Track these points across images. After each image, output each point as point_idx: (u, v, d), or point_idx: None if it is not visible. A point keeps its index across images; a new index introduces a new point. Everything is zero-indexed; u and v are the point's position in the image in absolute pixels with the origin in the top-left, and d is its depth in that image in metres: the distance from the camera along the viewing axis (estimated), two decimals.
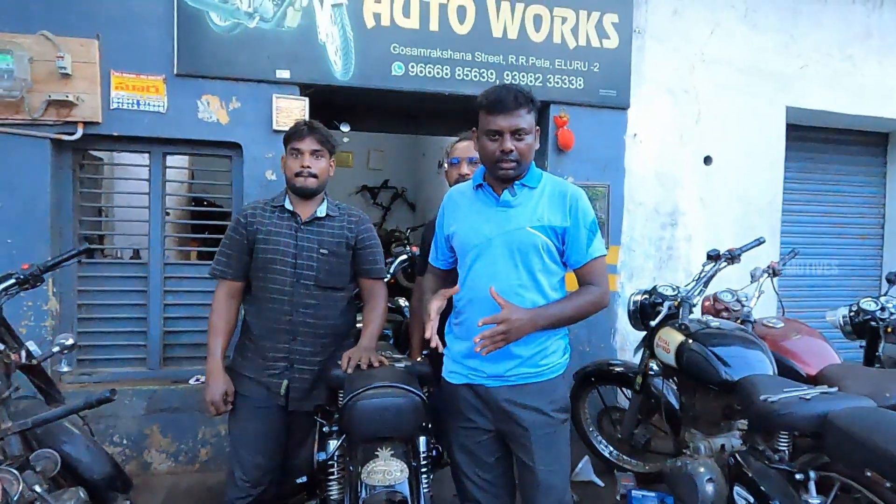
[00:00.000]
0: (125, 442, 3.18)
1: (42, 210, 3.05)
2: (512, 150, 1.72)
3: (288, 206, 2.24)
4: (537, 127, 1.80)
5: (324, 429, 2.04)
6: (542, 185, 1.82)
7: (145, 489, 2.99)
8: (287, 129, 3.25)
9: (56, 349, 2.34)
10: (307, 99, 3.34)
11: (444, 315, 1.93)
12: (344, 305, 2.29)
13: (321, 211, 2.25)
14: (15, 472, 1.80)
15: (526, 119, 1.73)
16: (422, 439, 1.88)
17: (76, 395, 2.66)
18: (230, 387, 2.16)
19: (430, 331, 1.72)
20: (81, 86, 3.00)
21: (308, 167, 2.18)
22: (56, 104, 2.96)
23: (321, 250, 2.21)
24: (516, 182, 1.80)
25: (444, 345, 1.89)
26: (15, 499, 1.70)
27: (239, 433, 2.20)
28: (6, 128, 2.94)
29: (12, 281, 2.14)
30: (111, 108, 3.08)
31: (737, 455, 2.14)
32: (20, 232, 3.00)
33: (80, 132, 3.03)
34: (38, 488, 1.80)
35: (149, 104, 3.12)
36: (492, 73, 3.59)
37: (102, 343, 3.30)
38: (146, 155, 3.29)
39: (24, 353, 2.25)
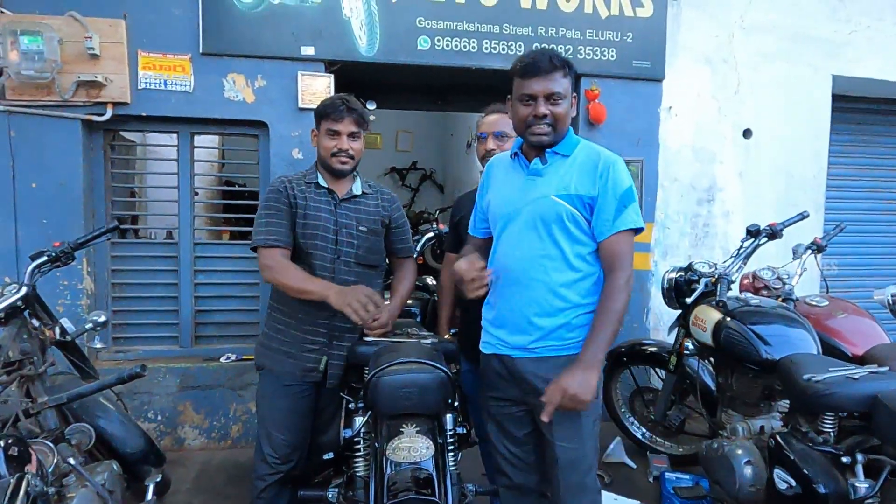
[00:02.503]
0: (159, 418, 3.25)
1: (76, 191, 3.10)
2: (546, 115, 1.66)
3: (322, 182, 2.21)
4: (574, 94, 1.74)
5: (349, 405, 2.03)
6: (575, 153, 1.74)
7: (178, 464, 3.05)
8: (313, 106, 3.27)
9: (89, 326, 2.39)
10: (332, 76, 3.30)
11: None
12: (379, 283, 2.32)
13: (357, 188, 2.24)
14: (50, 444, 1.84)
15: (561, 83, 1.66)
16: (448, 416, 1.84)
17: (111, 371, 2.71)
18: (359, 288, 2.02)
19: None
20: (110, 66, 3.02)
21: (346, 150, 2.15)
22: (85, 85, 2.99)
23: (360, 227, 2.20)
24: (548, 150, 1.73)
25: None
26: (50, 470, 1.73)
27: (268, 410, 2.21)
28: (38, 109, 2.99)
29: (45, 258, 2.18)
30: (139, 88, 3.10)
31: (777, 437, 2.05)
32: (55, 212, 3.06)
33: (109, 113, 3.06)
34: (72, 460, 1.83)
35: (176, 84, 3.13)
36: (520, 46, 3.48)
37: (136, 322, 3.36)
38: (174, 135, 3.31)
39: (58, 330, 2.30)
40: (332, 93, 3.25)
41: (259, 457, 2.19)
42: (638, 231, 1.71)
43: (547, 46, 3.48)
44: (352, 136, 2.17)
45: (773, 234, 2.75)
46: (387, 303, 2.21)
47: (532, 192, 1.73)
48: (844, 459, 1.80)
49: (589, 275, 1.72)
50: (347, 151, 2.16)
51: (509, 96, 1.77)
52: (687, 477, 2.82)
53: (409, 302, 2.94)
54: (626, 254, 1.69)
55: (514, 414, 1.82)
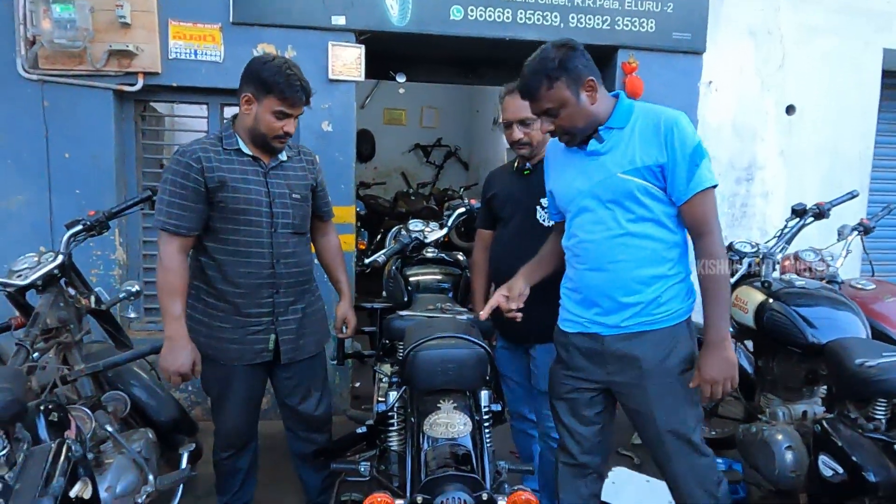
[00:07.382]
0: (190, 388, 3.28)
1: (107, 161, 3.09)
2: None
3: (245, 150, 1.98)
4: (590, 78, 1.63)
5: (381, 380, 2.01)
6: (632, 122, 1.67)
7: (209, 434, 3.06)
8: (343, 78, 3.21)
9: (123, 295, 2.41)
10: (363, 46, 3.23)
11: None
12: (309, 248, 2.21)
13: (283, 154, 2.06)
14: (88, 410, 1.85)
15: (543, 101, 1.65)
16: (484, 393, 1.81)
17: (143, 341, 2.73)
18: (197, 354, 1.92)
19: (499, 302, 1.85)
20: (140, 35, 2.99)
21: (290, 133, 1.98)
22: (117, 54, 2.97)
23: (293, 195, 2.04)
24: (601, 127, 1.68)
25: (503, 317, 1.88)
26: (88, 436, 1.75)
27: (217, 398, 2.11)
28: (71, 79, 2.98)
29: (79, 227, 2.18)
30: (169, 58, 3.06)
31: (824, 422, 1.98)
32: (87, 182, 3.06)
33: (140, 83, 3.04)
34: (109, 427, 1.85)
35: (206, 54, 3.09)
36: (556, 17, 3.36)
37: None
38: (204, 106, 3.28)
39: (93, 299, 2.32)
40: (363, 64, 3.19)
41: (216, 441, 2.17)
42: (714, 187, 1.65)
43: (582, 17, 3.37)
44: (297, 117, 1.99)
45: (820, 213, 2.64)
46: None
47: (596, 174, 1.68)
48: None
49: (673, 245, 1.69)
50: (290, 134, 1.98)
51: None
52: (720, 460, 2.75)
53: (439, 278, 2.88)
54: (710, 214, 1.64)
55: (586, 394, 1.79)
